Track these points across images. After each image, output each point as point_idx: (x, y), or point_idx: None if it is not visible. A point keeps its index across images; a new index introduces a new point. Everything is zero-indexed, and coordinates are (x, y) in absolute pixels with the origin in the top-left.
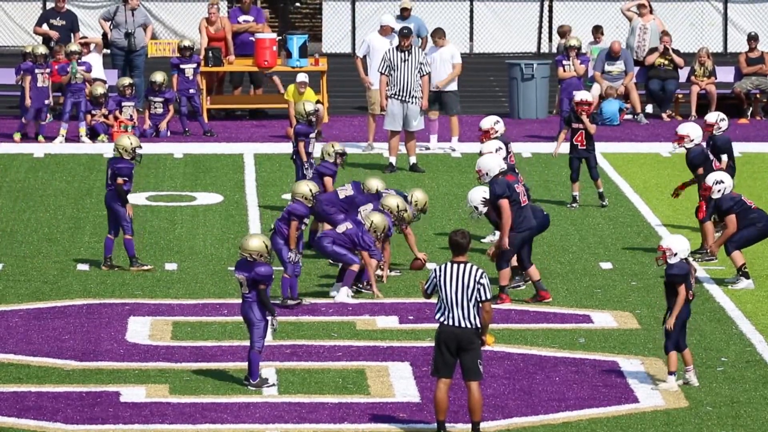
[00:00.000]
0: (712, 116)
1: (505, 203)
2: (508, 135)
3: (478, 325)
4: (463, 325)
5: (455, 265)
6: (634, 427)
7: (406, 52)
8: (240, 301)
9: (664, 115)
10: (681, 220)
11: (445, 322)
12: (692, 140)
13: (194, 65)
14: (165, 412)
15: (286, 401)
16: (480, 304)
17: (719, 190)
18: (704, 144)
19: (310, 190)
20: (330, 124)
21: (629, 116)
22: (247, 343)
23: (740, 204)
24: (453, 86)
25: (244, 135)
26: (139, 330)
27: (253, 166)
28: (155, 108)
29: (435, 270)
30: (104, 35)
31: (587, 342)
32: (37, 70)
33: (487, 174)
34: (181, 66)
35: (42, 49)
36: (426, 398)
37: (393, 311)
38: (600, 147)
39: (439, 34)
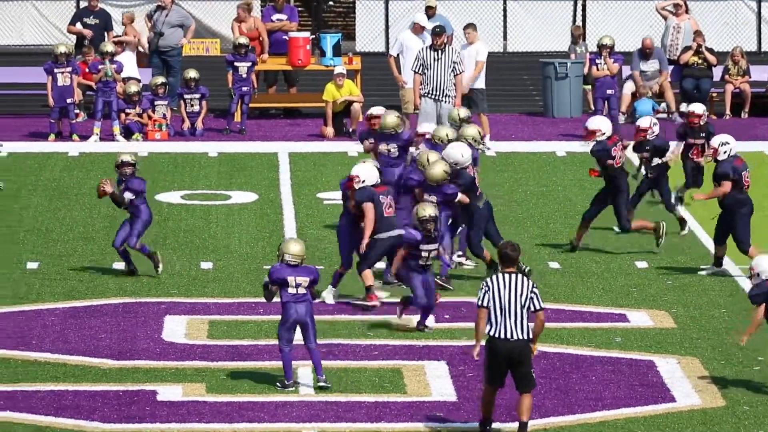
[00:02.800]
0: (645, 121)
1: (367, 206)
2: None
3: (530, 336)
4: (515, 336)
5: (507, 276)
6: (671, 426)
7: (439, 51)
8: (275, 300)
9: None
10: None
11: (497, 335)
12: (603, 134)
13: (249, 63)
14: (202, 410)
15: (322, 400)
16: (533, 314)
17: (725, 152)
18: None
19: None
20: (364, 123)
21: (663, 115)
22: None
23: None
24: (480, 84)
25: (279, 134)
26: (175, 329)
27: (288, 165)
28: (191, 105)
29: (486, 282)
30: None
31: (623, 341)
32: (56, 69)
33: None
34: (236, 63)
35: (62, 48)
36: (462, 397)
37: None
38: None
39: (469, 29)
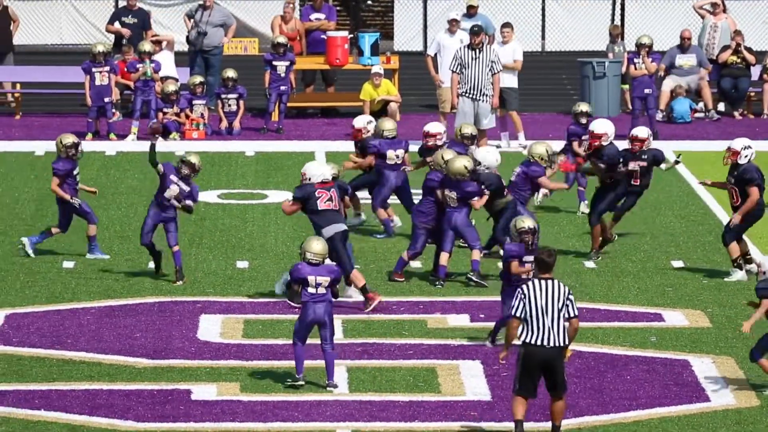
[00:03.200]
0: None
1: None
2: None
3: (566, 342)
4: (552, 343)
5: (543, 282)
6: (705, 425)
7: (477, 50)
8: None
9: (736, 114)
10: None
11: (533, 342)
12: (609, 137)
13: (287, 62)
14: (236, 410)
15: (356, 399)
16: (568, 321)
17: (746, 156)
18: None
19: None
20: (402, 122)
21: (701, 114)
22: (317, 341)
23: (763, 178)
24: (513, 83)
25: (316, 133)
26: (210, 328)
27: None
28: (228, 105)
29: (521, 290)
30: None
31: (658, 340)
32: (94, 69)
33: None
34: (274, 63)
35: (100, 48)
36: (497, 396)
37: (464, 309)
38: (672, 145)
39: (506, 29)
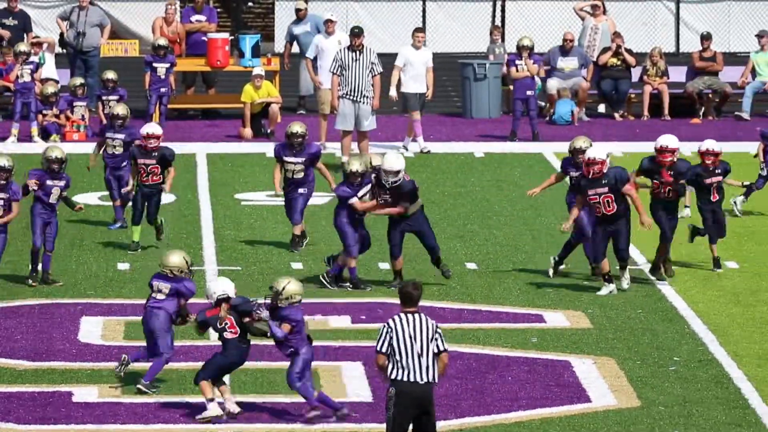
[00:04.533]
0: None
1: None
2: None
3: (436, 379)
4: (424, 380)
5: (409, 316)
6: (586, 426)
7: (358, 52)
8: (191, 301)
9: (616, 115)
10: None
11: (403, 379)
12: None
13: (168, 64)
14: (117, 411)
15: (238, 401)
16: (437, 356)
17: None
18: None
19: None
20: (283, 124)
21: (582, 116)
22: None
23: None
24: (423, 88)
25: (197, 135)
26: (91, 330)
27: (206, 166)
28: (109, 107)
29: (387, 324)
30: (61, 35)
31: (540, 341)
32: None
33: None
34: (154, 64)
35: None
36: (378, 397)
37: (345, 311)
38: (553, 147)
39: (419, 33)
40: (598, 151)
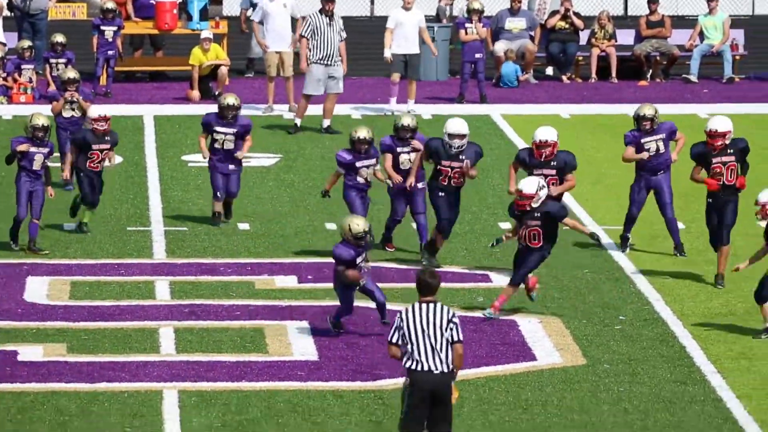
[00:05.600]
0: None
1: None
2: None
3: (453, 369)
4: (438, 369)
5: (423, 305)
6: (531, 384)
7: (329, 17)
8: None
9: (564, 78)
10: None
11: (417, 369)
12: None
13: (115, 27)
14: (62, 371)
15: (184, 360)
16: (451, 346)
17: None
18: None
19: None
20: (230, 86)
21: (530, 77)
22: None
23: None
24: (416, 49)
25: (144, 97)
26: (37, 290)
27: (153, 128)
28: (57, 70)
29: (400, 314)
30: None
31: (486, 301)
32: None
33: None
34: (102, 27)
35: None
36: (324, 356)
37: (292, 271)
38: (500, 109)
39: None
40: (550, 133)
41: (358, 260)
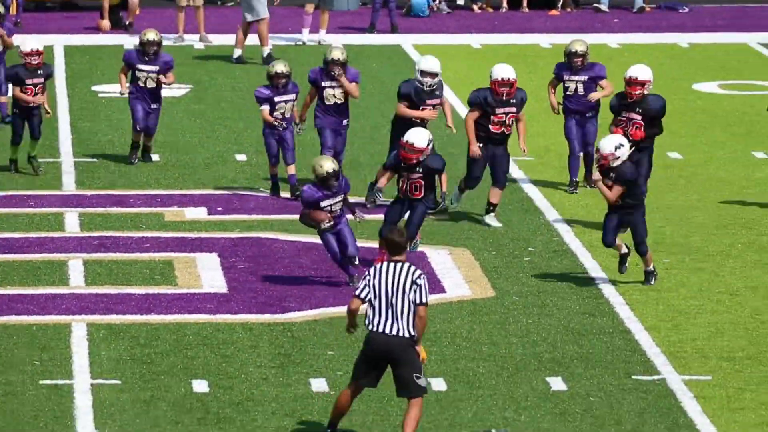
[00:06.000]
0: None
1: None
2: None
3: (413, 333)
4: (395, 332)
5: (391, 265)
6: (440, 317)
7: None
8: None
9: (475, 7)
10: None
11: (375, 329)
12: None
13: None
14: None
15: (93, 292)
16: (415, 308)
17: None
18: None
19: None
20: (141, 16)
21: (442, 7)
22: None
23: None
24: None
25: (54, 26)
26: None
27: (63, 58)
28: None
29: (368, 271)
30: None
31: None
32: None
33: None
34: None
35: None
36: (233, 289)
37: (202, 202)
38: (410, 39)
39: None
40: (510, 70)
41: (325, 203)
